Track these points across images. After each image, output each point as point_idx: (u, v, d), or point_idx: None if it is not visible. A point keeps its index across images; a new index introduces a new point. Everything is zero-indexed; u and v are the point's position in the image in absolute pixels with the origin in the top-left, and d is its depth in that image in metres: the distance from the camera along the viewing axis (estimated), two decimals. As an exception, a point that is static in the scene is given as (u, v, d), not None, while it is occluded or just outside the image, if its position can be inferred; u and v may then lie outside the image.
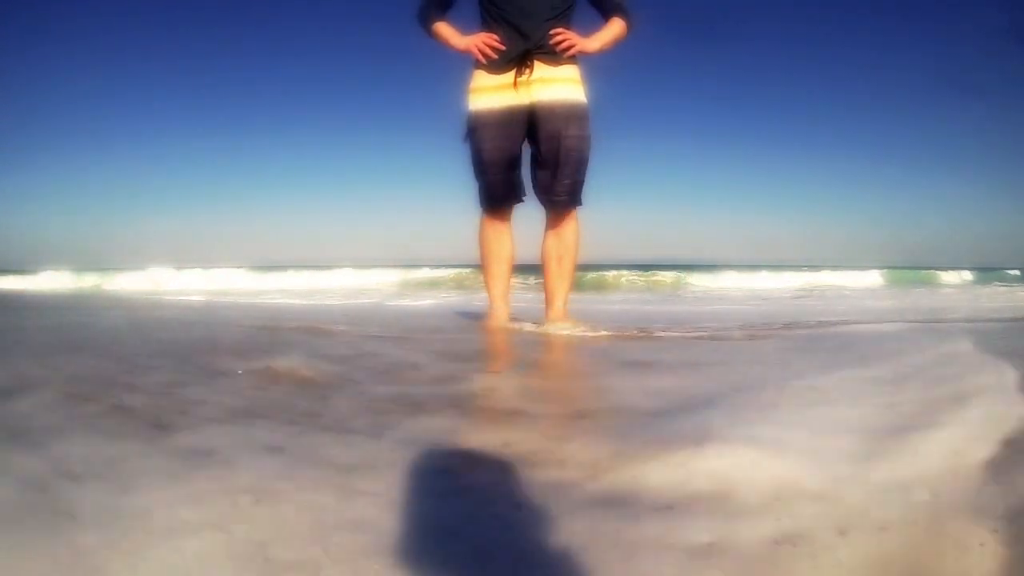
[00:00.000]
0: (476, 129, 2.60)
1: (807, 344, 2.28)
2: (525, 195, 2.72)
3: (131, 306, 4.12)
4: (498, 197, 2.69)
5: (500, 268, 2.77)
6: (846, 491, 0.77)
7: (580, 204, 2.66)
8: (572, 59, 2.60)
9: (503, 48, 2.53)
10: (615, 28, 2.63)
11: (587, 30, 2.63)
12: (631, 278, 15.42)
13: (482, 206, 2.74)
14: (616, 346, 2.28)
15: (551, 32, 2.53)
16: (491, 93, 2.59)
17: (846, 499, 0.75)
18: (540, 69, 2.55)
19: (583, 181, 2.62)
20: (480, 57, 2.56)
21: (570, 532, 0.71)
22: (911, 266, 21.48)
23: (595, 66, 2.69)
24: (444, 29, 2.66)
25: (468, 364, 1.84)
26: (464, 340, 2.51)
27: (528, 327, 2.66)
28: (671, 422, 1.09)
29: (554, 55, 2.55)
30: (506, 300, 2.79)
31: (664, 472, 0.84)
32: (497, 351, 2.33)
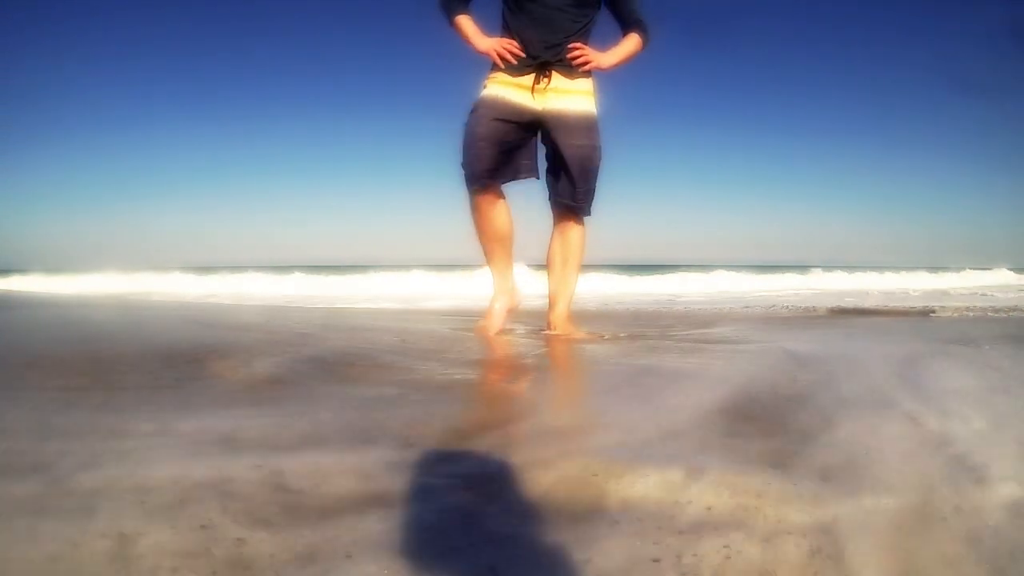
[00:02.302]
0: (477, 109, 2.58)
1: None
2: (523, 177, 2.67)
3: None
4: (482, 170, 2.55)
5: (497, 245, 2.69)
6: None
7: (589, 214, 2.71)
8: (587, 73, 2.65)
9: (522, 55, 2.57)
10: (631, 44, 2.69)
11: (603, 39, 2.70)
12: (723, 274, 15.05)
13: (467, 183, 2.60)
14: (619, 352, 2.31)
15: (569, 47, 2.58)
16: (505, 86, 2.59)
17: None
18: (556, 80, 2.60)
19: (594, 189, 2.68)
20: (499, 62, 2.59)
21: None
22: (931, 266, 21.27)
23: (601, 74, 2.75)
24: (467, 24, 2.66)
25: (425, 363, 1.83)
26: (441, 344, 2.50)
27: (523, 331, 2.73)
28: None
29: (571, 68, 2.60)
30: (508, 278, 2.73)
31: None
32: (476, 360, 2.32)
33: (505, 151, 2.59)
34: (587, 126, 2.61)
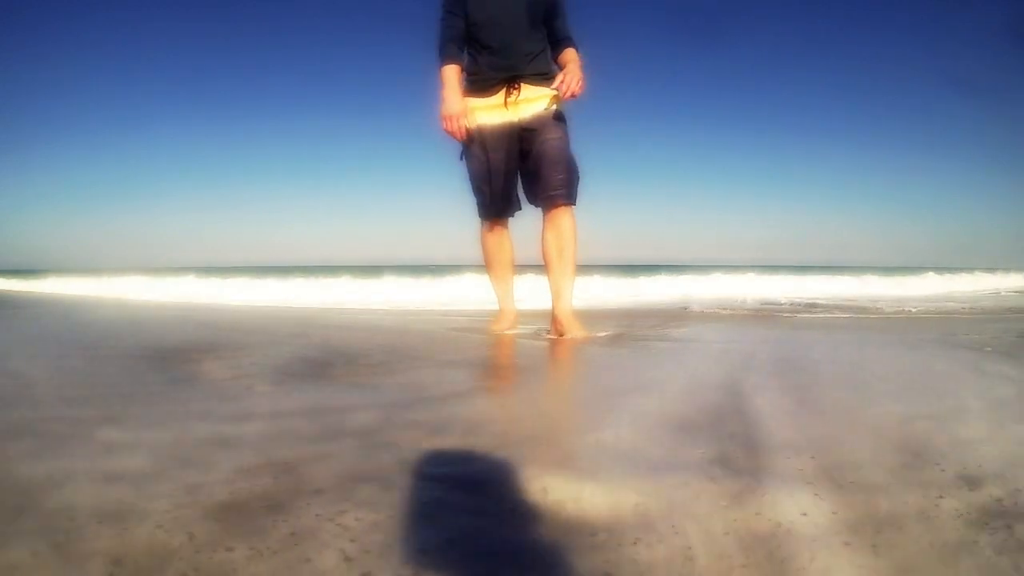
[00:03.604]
0: (471, 145, 2.86)
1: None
2: (520, 208, 2.94)
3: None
4: (495, 208, 2.93)
5: (503, 271, 3.05)
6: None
7: (574, 202, 2.83)
8: (552, 80, 2.81)
9: (469, 141, 2.82)
10: (576, 57, 2.87)
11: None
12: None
13: (481, 217, 2.99)
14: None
15: (558, 87, 2.73)
16: (482, 112, 2.83)
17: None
18: (525, 91, 2.82)
19: (573, 179, 2.81)
20: (445, 133, 2.79)
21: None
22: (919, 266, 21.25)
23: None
24: (451, 78, 2.81)
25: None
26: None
27: (527, 331, 2.88)
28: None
29: (536, 77, 2.82)
30: (512, 299, 3.06)
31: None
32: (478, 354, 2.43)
33: (509, 180, 2.86)
34: (559, 122, 2.82)
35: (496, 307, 3.10)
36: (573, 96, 2.72)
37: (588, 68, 2.83)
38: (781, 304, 6.65)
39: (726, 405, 1.34)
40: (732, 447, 1.05)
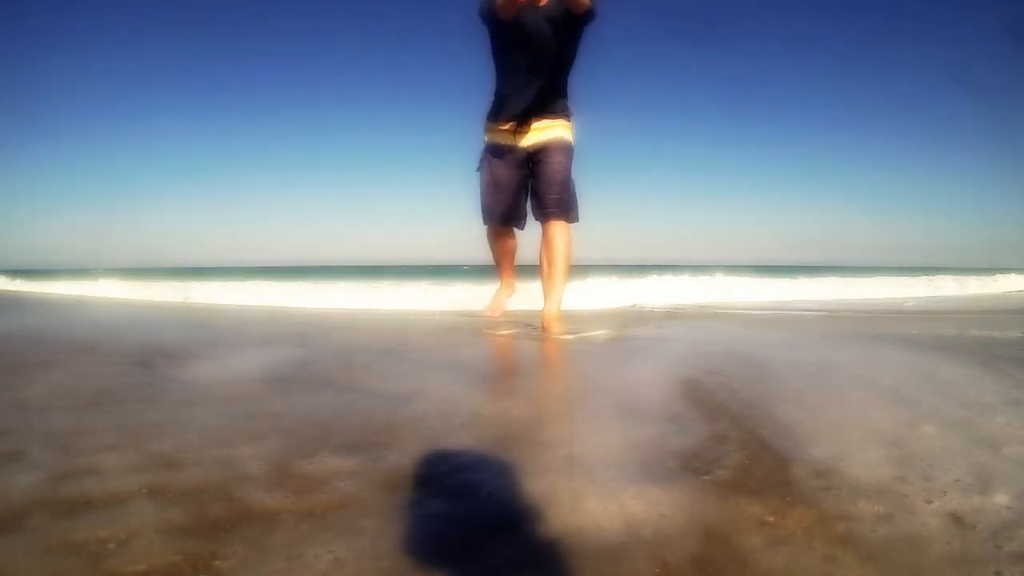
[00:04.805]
0: (484, 160, 3.26)
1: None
2: (523, 225, 3.30)
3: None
4: (495, 214, 3.28)
5: (504, 258, 3.52)
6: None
7: (570, 219, 3.15)
8: (567, 115, 3.14)
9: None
10: None
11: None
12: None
13: (484, 222, 3.35)
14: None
15: None
16: (498, 134, 3.19)
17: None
18: (537, 122, 3.12)
19: (570, 200, 3.14)
20: (487, 9, 2.89)
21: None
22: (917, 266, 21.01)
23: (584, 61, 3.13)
24: None
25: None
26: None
27: (517, 329, 3.07)
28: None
29: (549, 113, 3.09)
30: (510, 280, 3.60)
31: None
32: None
33: (513, 193, 3.21)
34: (563, 149, 3.13)
35: (495, 297, 3.55)
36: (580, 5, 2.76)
37: (593, 71, 3.11)
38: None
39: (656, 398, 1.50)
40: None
